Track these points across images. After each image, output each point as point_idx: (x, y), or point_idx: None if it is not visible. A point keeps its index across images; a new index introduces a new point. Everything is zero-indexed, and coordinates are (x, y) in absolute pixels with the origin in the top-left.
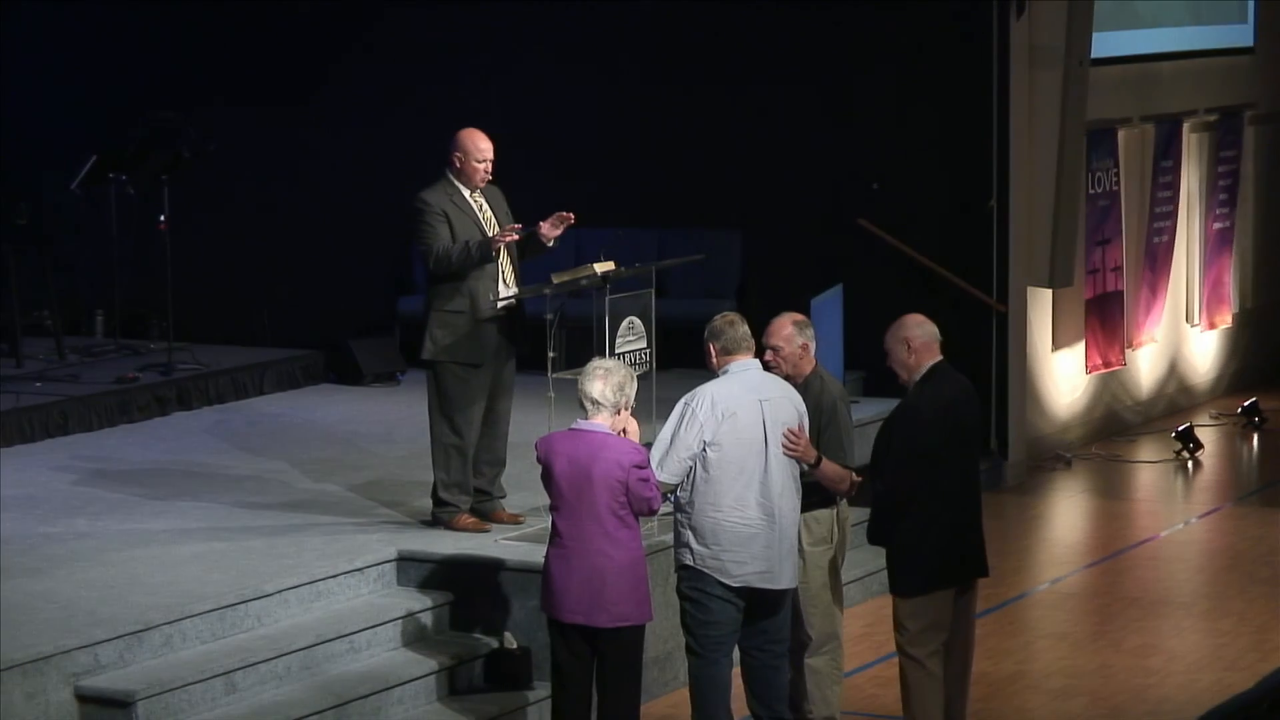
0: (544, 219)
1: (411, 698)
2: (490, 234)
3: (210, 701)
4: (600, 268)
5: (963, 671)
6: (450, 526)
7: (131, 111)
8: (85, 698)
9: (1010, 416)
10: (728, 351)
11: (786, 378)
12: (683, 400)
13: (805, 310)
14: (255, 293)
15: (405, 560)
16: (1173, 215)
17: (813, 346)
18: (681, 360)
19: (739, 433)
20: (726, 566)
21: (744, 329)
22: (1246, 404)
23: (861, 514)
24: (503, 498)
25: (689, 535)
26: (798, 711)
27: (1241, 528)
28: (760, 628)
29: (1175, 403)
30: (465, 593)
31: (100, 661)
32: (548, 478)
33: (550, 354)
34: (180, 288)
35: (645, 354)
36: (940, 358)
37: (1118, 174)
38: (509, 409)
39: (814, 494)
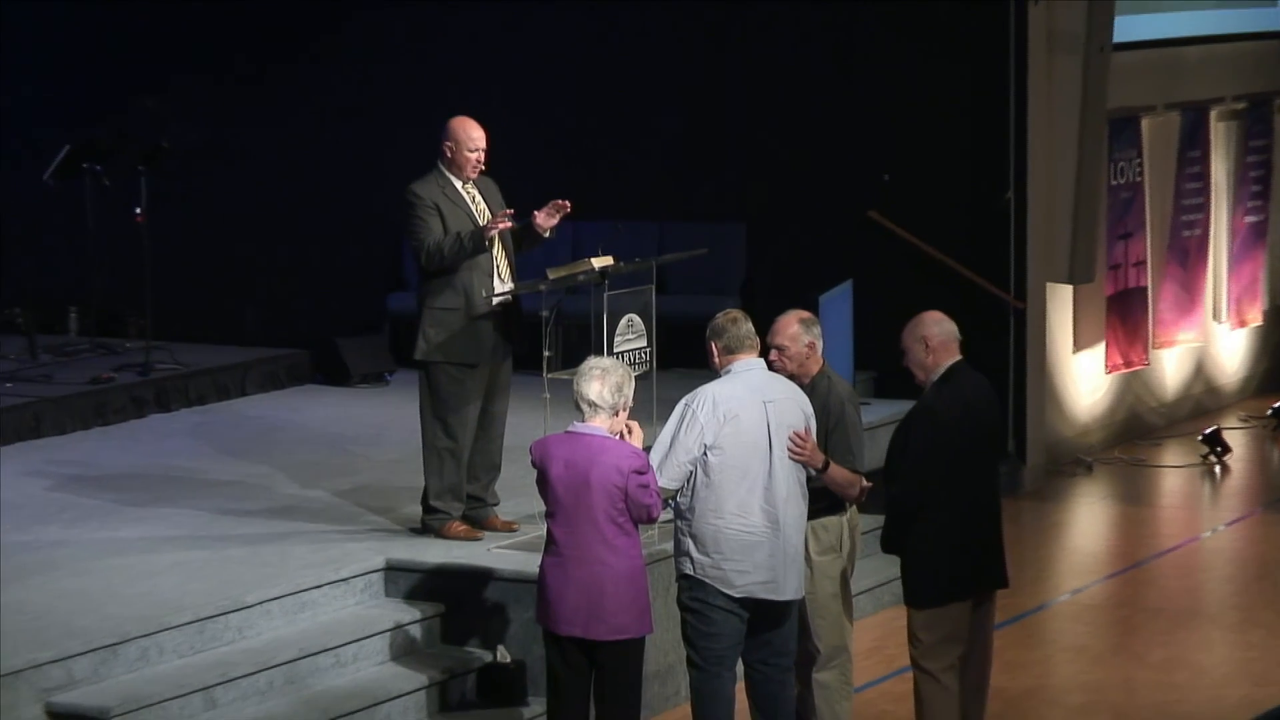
0: (539, 210)
1: (400, 714)
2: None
3: (189, 718)
4: (598, 263)
5: (979, 686)
6: (441, 534)
7: (106, 104)
8: (57, 714)
9: (1029, 418)
10: (731, 350)
11: (792, 378)
12: (683, 401)
13: (813, 307)
14: (237, 289)
15: (394, 570)
16: (1204, 208)
17: (820, 345)
18: (683, 360)
19: (742, 436)
20: (729, 576)
21: (748, 327)
22: (1277, 405)
23: (872, 521)
24: (496, 504)
25: (689, 543)
26: None
27: (1272, 535)
28: (764, 640)
29: (1202, 404)
30: (457, 604)
31: (74, 676)
32: (543, 483)
33: (546, 353)
34: (158, 284)
35: (645, 353)
36: (959, 357)
37: (1141, 164)
38: (505, 411)
39: (821, 500)
